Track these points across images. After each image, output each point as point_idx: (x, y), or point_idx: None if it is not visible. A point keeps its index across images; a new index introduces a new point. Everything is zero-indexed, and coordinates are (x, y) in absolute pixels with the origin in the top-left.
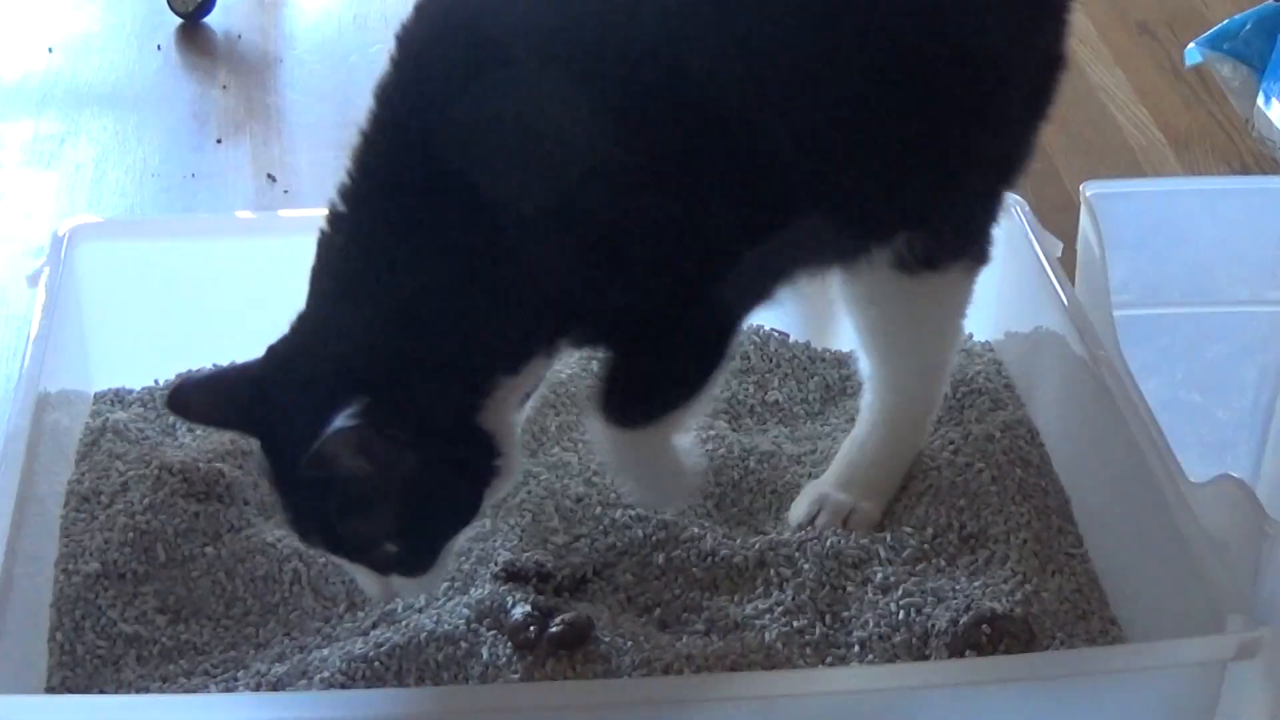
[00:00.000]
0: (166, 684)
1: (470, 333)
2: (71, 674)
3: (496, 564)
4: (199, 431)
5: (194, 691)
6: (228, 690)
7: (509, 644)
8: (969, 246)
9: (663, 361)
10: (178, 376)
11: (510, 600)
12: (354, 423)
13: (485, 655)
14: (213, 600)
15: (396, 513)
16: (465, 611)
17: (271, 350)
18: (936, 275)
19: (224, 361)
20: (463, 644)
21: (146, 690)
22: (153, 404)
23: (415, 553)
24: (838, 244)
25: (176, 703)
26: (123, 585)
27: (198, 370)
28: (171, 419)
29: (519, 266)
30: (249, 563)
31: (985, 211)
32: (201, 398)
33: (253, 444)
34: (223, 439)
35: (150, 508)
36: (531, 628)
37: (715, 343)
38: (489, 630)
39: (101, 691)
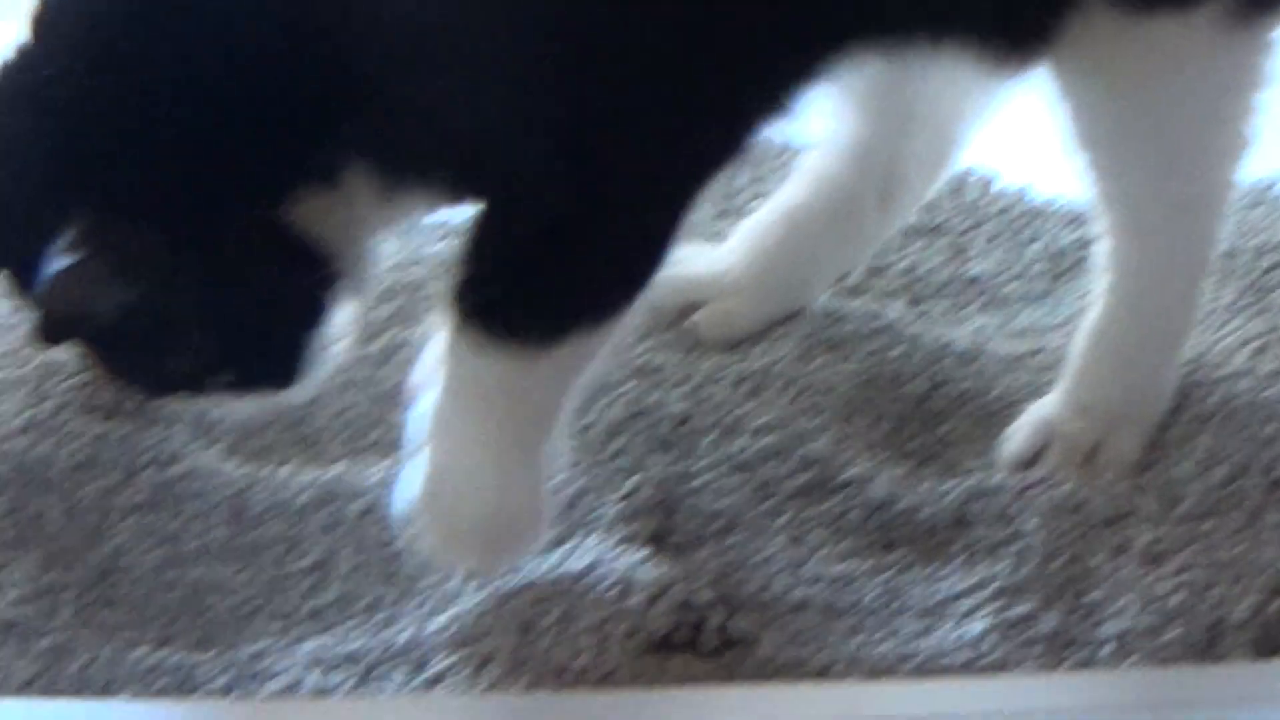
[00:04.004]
0: (60, 691)
1: (224, 118)
2: None
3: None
4: None
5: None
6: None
7: (623, 632)
8: None
9: (583, 211)
10: None
11: (632, 576)
12: (77, 256)
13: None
14: (130, 570)
15: (209, 333)
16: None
17: None
18: (1178, 20)
19: None
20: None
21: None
22: None
23: (269, 371)
24: None
25: (81, 711)
26: None
27: None
28: None
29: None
30: (185, 510)
31: None
32: None
33: None
34: None
35: (31, 428)
36: (677, 629)
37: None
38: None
39: None
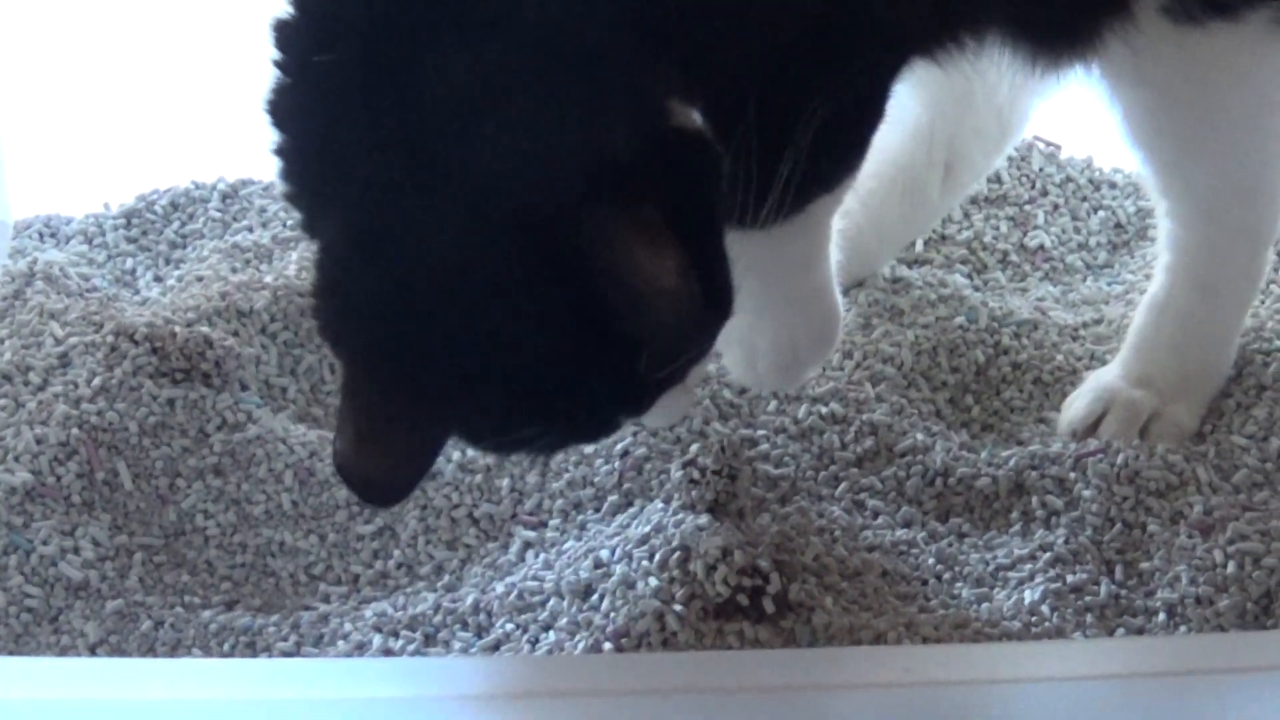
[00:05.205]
0: (128, 650)
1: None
2: None
3: (645, 476)
4: (172, 280)
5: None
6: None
7: (683, 597)
8: None
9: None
10: (141, 202)
11: (693, 543)
12: (620, 265)
13: (654, 610)
14: (199, 533)
15: (690, 262)
16: (626, 547)
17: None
18: (1229, 27)
19: (211, 170)
20: (619, 594)
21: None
22: (102, 239)
23: (716, 300)
24: None
25: (148, 668)
26: (64, 506)
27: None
28: (131, 263)
29: None
30: (253, 474)
31: None
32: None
33: (255, 299)
34: (208, 291)
35: (103, 393)
36: (737, 594)
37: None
38: (656, 573)
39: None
